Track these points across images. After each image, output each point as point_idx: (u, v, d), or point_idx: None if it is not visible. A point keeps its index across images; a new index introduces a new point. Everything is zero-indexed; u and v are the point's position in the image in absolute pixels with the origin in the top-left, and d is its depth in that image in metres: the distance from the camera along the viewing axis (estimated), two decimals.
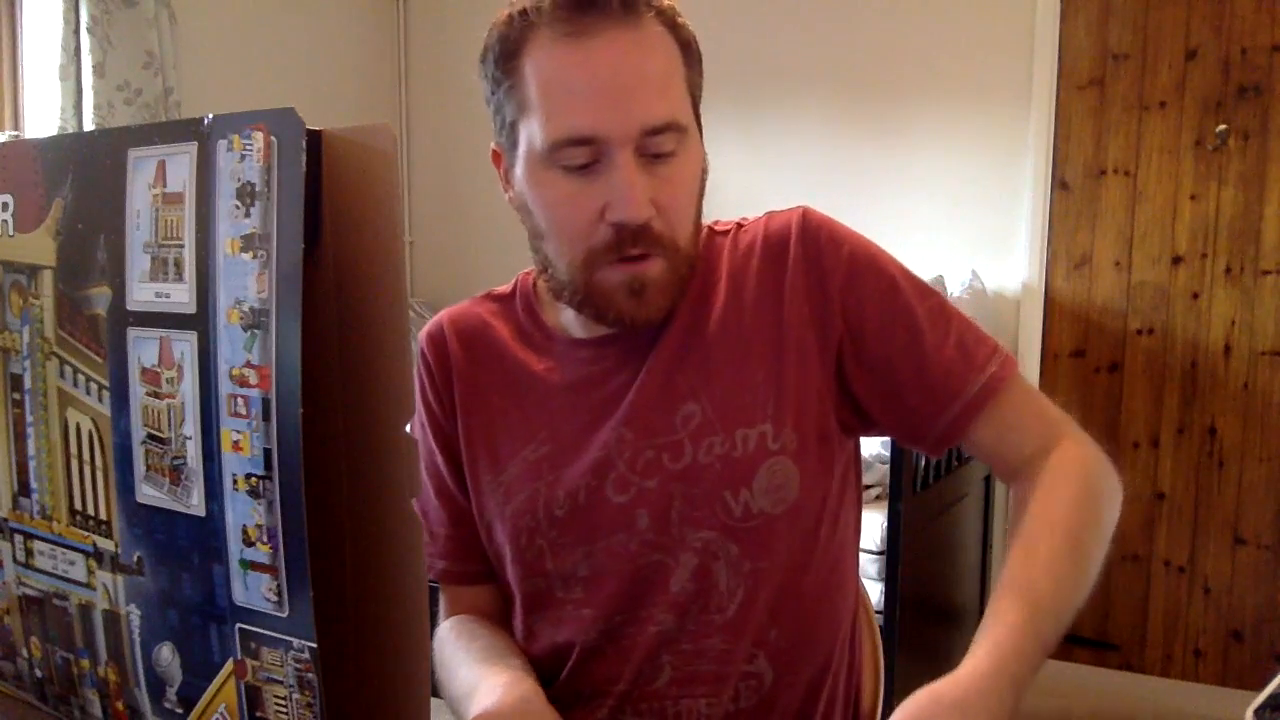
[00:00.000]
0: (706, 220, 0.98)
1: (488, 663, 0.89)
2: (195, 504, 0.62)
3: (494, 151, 0.95)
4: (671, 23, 0.87)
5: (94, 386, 0.67)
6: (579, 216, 0.86)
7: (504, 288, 1.05)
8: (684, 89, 0.89)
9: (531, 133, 0.87)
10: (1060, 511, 0.84)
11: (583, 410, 0.95)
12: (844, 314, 0.93)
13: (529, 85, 0.86)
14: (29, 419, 0.72)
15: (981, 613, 0.79)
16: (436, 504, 1.02)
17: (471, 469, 0.99)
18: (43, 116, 2.75)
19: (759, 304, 0.94)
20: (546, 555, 0.95)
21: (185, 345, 0.62)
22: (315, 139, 0.58)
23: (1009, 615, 0.76)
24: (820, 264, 0.93)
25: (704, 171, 0.93)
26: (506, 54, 0.88)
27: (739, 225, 1.00)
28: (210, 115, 0.60)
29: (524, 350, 0.99)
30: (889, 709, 1.05)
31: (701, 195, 0.93)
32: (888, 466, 2.41)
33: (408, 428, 0.62)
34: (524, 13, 0.86)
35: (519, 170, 0.90)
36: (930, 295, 0.96)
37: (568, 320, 0.98)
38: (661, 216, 0.86)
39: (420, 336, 1.03)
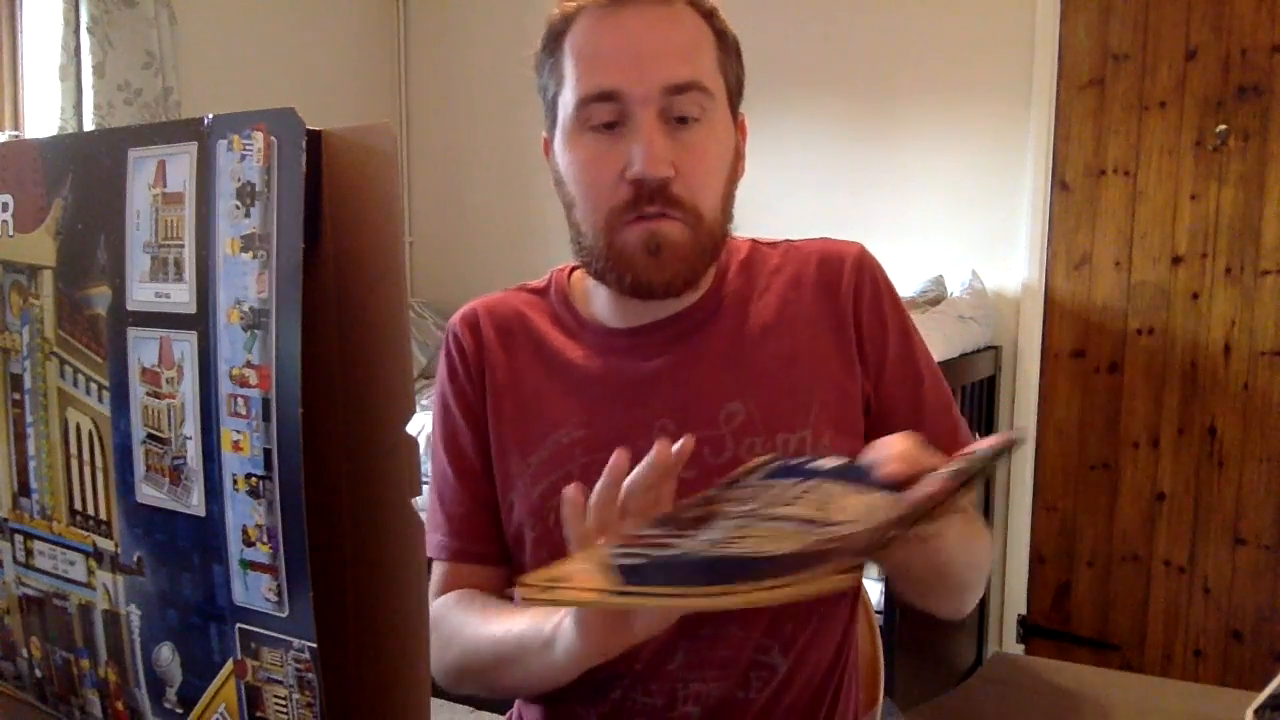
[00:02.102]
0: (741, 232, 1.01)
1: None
2: (195, 504, 0.62)
3: (545, 141, 0.98)
4: (706, 12, 0.93)
5: (94, 386, 0.67)
6: (603, 177, 0.89)
7: (538, 281, 1.07)
8: (714, 66, 0.92)
9: (565, 100, 0.91)
10: (969, 551, 0.95)
11: (619, 398, 0.97)
12: (875, 355, 0.99)
13: (566, 58, 0.91)
14: (29, 419, 0.72)
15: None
16: (456, 485, 1.02)
17: (499, 449, 0.99)
18: (43, 116, 2.75)
19: (809, 320, 0.98)
20: None
21: (185, 345, 0.62)
22: (315, 139, 0.58)
23: None
24: (864, 302, 0.99)
25: (737, 156, 0.96)
26: (552, 37, 0.93)
27: (788, 242, 1.04)
28: (210, 115, 0.60)
29: (560, 337, 1.01)
30: (888, 708, 1.06)
31: (732, 179, 0.95)
32: None
33: (408, 427, 0.62)
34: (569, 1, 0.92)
35: (556, 143, 0.94)
36: (935, 368, 1.03)
37: (603, 311, 1.00)
38: (682, 180, 0.89)
39: (453, 321, 1.05)
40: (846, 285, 0.99)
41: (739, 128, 0.97)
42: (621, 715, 0.95)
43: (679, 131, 0.89)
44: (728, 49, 0.94)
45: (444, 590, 1.02)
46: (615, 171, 0.89)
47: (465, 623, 0.93)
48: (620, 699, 0.95)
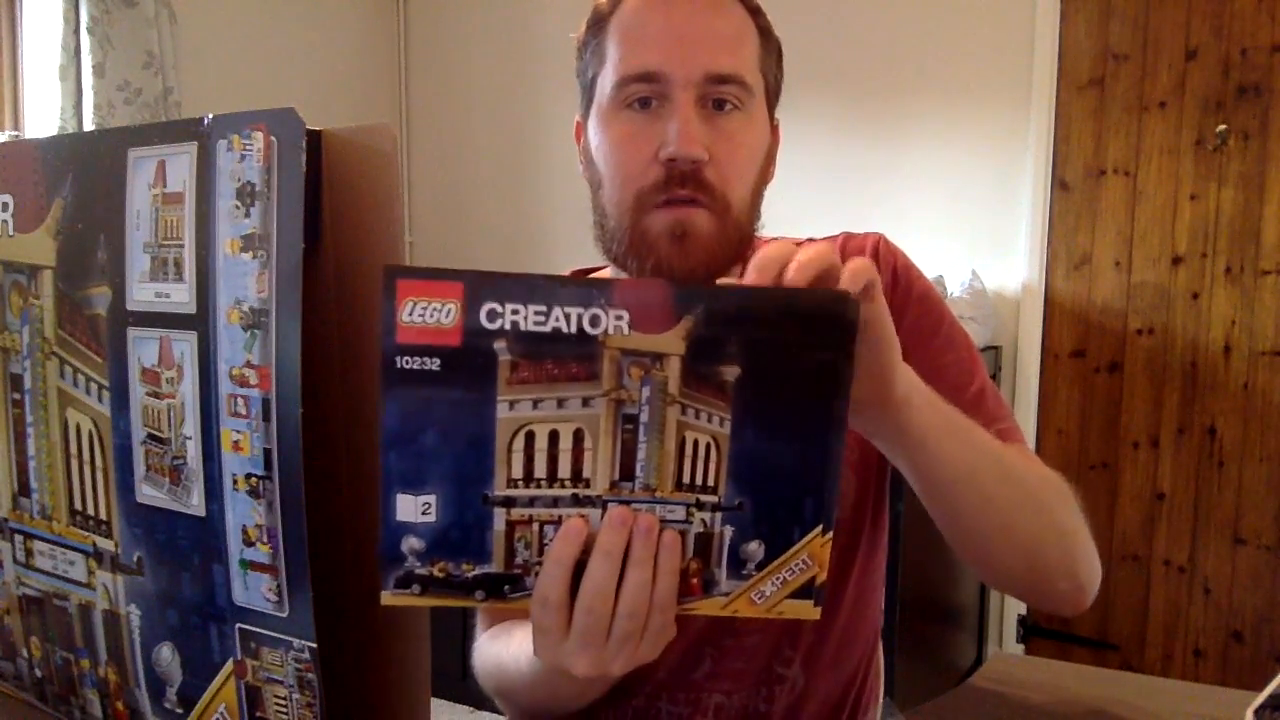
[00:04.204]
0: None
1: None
2: (195, 504, 0.62)
3: (577, 124, 0.97)
4: (753, 8, 0.92)
5: (94, 386, 0.67)
6: (635, 156, 0.88)
7: None
8: (756, 64, 0.91)
9: (604, 79, 0.90)
10: (1025, 464, 0.83)
11: None
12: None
13: (610, 39, 0.90)
14: (29, 419, 0.72)
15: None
16: None
17: None
18: (43, 116, 2.75)
19: None
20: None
21: (185, 345, 0.62)
22: (315, 139, 0.58)
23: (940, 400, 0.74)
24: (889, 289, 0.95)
25: (769, 159, 0.94)
26: (598, 20, 0.92)
27: (811, 241, 1.02)
28: (210, 115, 0.60)
29: None
30: (888, 707, 1.06)
31: (763, 178, 0.93)
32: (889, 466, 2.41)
33: None
34: None
35: (590, 123, 0.93)
36: (965, 349, 0.97)
37: None
38: (714, 166, 0.87)
39: None
40: None
41: (773, 131, 0.96)
42: None
43: (716, 118, 0.87)
44: (769, 49, 0.93)
45: (491, 625, 0.96)
46: (648, 152, 0.87)
47: (491, 654, 0.91)
48: (644, 706, 0.94)
